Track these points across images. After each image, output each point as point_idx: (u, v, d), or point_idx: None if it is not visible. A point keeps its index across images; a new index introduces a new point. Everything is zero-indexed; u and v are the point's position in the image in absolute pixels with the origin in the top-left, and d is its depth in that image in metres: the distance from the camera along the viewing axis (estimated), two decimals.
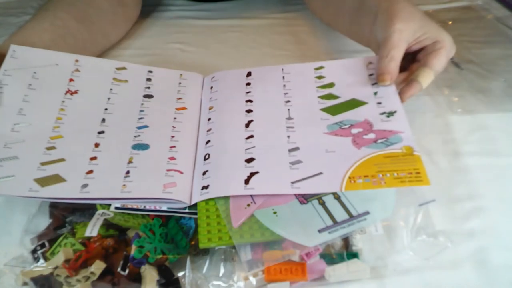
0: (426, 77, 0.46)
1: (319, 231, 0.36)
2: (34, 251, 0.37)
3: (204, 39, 0.69)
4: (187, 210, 0.39)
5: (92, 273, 0.35)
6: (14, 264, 0.37)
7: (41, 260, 0.36)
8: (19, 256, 0.37)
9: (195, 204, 0.39)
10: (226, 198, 0.39)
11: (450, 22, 0.69)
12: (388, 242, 0.37)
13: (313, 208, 0.37)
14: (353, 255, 0.36)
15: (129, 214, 0.39)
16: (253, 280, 0.35)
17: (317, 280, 0.36)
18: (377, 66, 0.47)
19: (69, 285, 0.35)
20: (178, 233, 0.38)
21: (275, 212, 0.37)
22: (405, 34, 0.47)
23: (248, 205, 0.38)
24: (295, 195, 0.38)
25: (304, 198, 0.38)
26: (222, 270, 0.36)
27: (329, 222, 0.36)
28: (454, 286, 0.36)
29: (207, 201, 0.39)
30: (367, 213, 0.37)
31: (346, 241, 0.37)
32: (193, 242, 0.38)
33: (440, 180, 0.44)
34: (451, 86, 0.56)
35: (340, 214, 0.37)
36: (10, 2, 0.81)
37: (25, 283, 0.35)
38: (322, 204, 0.38)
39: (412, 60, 0.50)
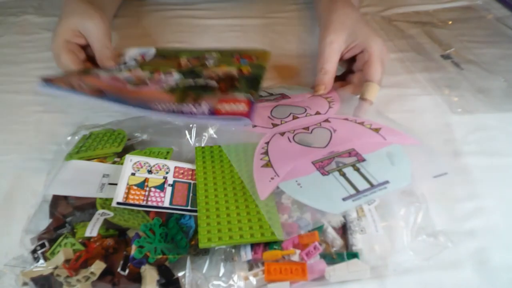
0: (371, 92, 0.48)
1: (343, 199, 0.37)
2: (34, 251, 0.37)
3: (204, 39, 0.69)
4: (188, 207, 0.39)
5: (92, 273, 0.35)
6: (14, 264, 0.37)
7: (41, 260, 0.36)
8: (19, 256, 0.37)
9: (195, 204, 0.39)
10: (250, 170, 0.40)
11: (450, 22, 0.70)
12: (388, 242, 0.37)
13: (334, 179, 0.38)
14: (353, 255, 0.36)
15: (129, 214, 0.39)
16: (253, 280, 0.35)
17: (317, 280, 0.36)
18: (315, 78, 0.50)
19: (69, 285, 0.34)
20: (178, 233, 0.38)
21: (299, 184, 0.38)
22: (335, 45, 0.49)
23: (272, 178, 0.39)
24: (316, 167, 0.40)
25: (325, 170, 0.39)
26: (222, 270, 0.36)
27: (352, 191, 0.37)
28: (454, 286, 0.36)
29: (207, 200, 0.39)
30: (387, 182, 0.38)
31: (346, 241, 0.37)
32: (193, 242, 0.38)
33: (440, 180, 0.44)
34: (451, 86, 0.56)
35: (361, 184, 0.38)
36: (10, 1, 0.81)
37: (25, 283, 0.35)
38: (343, 175, 0.39)
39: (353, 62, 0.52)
